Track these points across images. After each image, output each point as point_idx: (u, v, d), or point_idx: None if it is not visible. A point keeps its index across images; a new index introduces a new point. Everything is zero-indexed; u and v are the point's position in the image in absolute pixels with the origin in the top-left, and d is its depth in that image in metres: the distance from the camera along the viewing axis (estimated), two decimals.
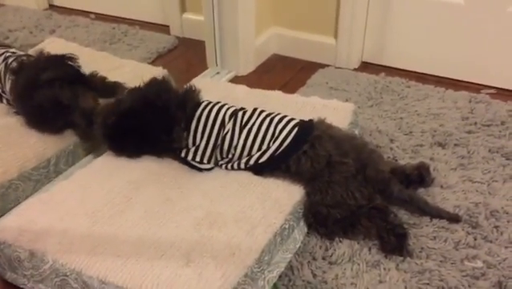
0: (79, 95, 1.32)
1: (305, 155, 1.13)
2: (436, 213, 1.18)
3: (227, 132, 1.18)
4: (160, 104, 1.18)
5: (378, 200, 1.13)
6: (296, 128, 1.16)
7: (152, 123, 1.18)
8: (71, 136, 1.37)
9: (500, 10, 1.69)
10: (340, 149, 1.13)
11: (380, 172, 1.15)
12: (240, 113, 1.20)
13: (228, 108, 1.21)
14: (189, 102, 1.21)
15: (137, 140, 1.21)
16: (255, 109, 1.22)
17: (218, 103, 1.23)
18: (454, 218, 1.18)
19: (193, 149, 1.19)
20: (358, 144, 1.19)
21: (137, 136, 1.20)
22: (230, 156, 1.19)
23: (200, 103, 1.22)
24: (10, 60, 1.41)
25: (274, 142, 1.15)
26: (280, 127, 1.17)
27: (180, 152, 1.21)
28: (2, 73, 1.41)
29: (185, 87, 1.26)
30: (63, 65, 1.37)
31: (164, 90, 1.22)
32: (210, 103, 1.23)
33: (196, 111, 1.20)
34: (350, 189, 1.10)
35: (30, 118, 1.34)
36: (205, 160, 1.20)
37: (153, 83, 1.23)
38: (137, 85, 1.24)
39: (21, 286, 1.06)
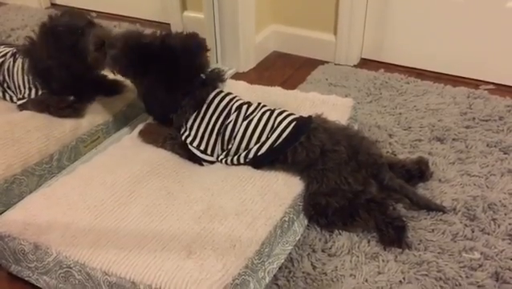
0: (94, 26, 1.36)
1: (301, 146, 1.16)
2: (424, 204, 1.20)
3: (230, 122, 1.20)
4: (193, 64, 1.22)
5: (373, 185, 1.15)
6: (295, 122, 1.18)
7: (177, 71, 1.19)
8: (73, 133, 1.39)
9: (498, 6, 1.70)
10: (333, 139, 1.16)
11: (372, 155, 1.17)
12: (245, 106, 1.23)
13: (237, 100, 1.25)
14: (211, 86, 1.25)
15: (155, 75, 1.20)
16: (259, 103, 1.25)
17: (230, 93, 1.26)
18: (441, 210, 1.20)
19: (199, 135, 1.22)
20: (350, 133, 1.21)
21: (158, 71, 1.19)
22: (230, 146, 1.21)
23: (214, 88, 1.25)
24: (18, 56, 1.44)
25: (272, 133, 1.17)
26: (279, 119, 1.19)
27: (185, 138, 1.23)
28: (10, 68, 1.43)
29: (217, 70, 1.29)
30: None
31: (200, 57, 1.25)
32: (222, 91, 1.26)
33: (209, 94, 1.23)
34: (343, 174, 1.12)
35: (47, 45, 1.35)
36: (209, 151, 1.22)
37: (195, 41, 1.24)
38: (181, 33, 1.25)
39: (25, 278, 1.08)
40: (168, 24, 2.26)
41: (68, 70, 1.35)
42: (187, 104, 1.22)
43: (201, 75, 1.25)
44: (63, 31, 1.33)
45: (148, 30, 2.19)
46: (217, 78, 1.28)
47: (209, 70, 1.28)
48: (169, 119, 1.26)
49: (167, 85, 1.20)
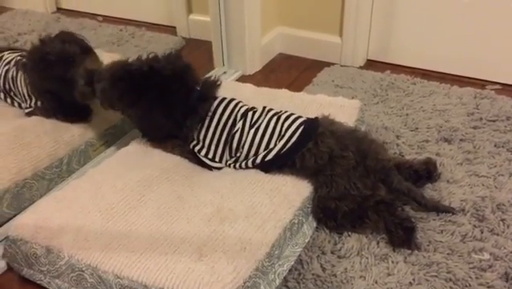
0: (88, 56, 1.33)
1: (309, 152, 1.16)
2: (432, 207, 1.20)
3: (237, 130, 1.20)
4: (186, 82, 1.20)
5: (382, 190, 1.15)
6: (302, 127, 1.18)
7: (171, 94, 1.18)
8: (82, 137, 1.40)
9: (504, 6, 1.70)
10: (341, 144, 1.16)
11: (380, 160, 1.17)
12: (250, 113, 1.23)
13: (241, 107, 1.24)
14: (210, 96, 1.24)
15: (149, 101, 1.18)
16: (264, 108, 1.25)
17: (233, 100, 1.26)
18: (450, 211, 1.20)
19: (206, 145, 1.22)
20: (358, 136, 1.21)
21: (151, 97, 1.17)
22: (238, 154, 1.21)
23: (216, 98, 1.25)
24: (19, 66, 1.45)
25: (280, 140, 1.18)
26: (286, 125, 1.19)
27: (193, 147, 1.23)
28: (14, 77, 1.44)
29: (211, 78, 1.28)
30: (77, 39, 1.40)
31: (190, 73, 1.24)
32: (225, 99, 1.25)
33: (211, 105, 1.23)
34: (352, 180, 1.13)
35: (37, 71, 1.33)
36: (217, 159, 1.23)
37: (181, 62, 1.23)
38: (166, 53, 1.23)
39: (37, 281, 1.08)
40: (174, 27, 2.26)
41: (60, 96, 1.34)
42: (192, 122, 1.22)
43: (196, 87, 1.24)
44: (53, 60, 1.30)
45: (153, 34, 2.22)
46: (213, 86, 1.26)
47: (203, 80, 1.27)
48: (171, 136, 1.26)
49: (163, 109, 1.19)
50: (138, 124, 1.28)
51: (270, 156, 1.18)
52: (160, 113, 1.19)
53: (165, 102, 1.19)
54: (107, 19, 2.40)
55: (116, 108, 1.25)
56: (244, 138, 1.20)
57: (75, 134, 1.38)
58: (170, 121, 1.21)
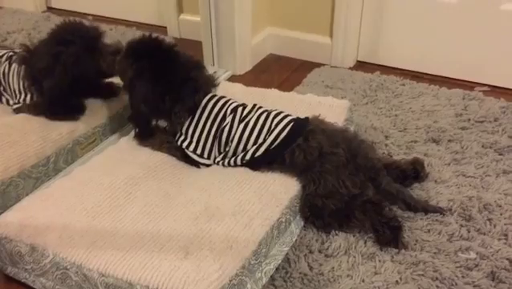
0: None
1: (298, 148, 1.16)
2: (421, 208, 1.20)
3: (226, 124, 1.21)
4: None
5: (370, 189, 1.15)
6: (292, 123, 1.19)
7: (169, 73, 1.22)
8: (70, 135, 1.39)
9: (493, 8, 1.71)
10: (331, 141, 1.16)
11: (370, 159, 1.18)
12: (240, 109, 1.23)
13: (231, 103, 1.25)
14: (203, 91, 1.25)
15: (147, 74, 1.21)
16: (255, 105, 1.25)
17: (223, 97, 1.27)
18: (439, 212, 1.20)
19: (195, 140, 1.22)
20: (348, 136, 1.22)
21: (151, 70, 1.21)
22: (227, 149, 1.21)
23: (207, 93, 1.26)
24: (13, 60, 1.44)
25: (269, 135, 1.18)
26: (276, 121, 1.19)
27: (181, 143, 1.23)
28: (6, 72, 1.43)
29: (211, 77, 1.32)
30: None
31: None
32: (216, 95, 1.26)
33: (201, 100, 1.24)
34: (341, 177, 1.13)
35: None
36: (205, 155, 1.23)
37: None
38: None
39: (22, 280, 1.07)
40: (165, 27, 2.26)
41: (73, 76, 1.35)
42: (180, 110, 1.22)
43: (193, 81, 1.24)
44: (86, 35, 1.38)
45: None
46: (209, 83, 1.28)
47: (201, 75, 1.28)
48: (154, 127, 1.29)
49: (154, 78, 1.20)
50: (132, 100, 1.27)
51: (259, 152, 1.18)
52: (149, 80, 1.21)
53: (158, 73, 1.21)
54: (98, 19, 2.39)
55: (125, 79, 1.27)
56: (233, 132, 1.20)
57: (62, 132, 1.37)
58: (154, 92, 1.21)
